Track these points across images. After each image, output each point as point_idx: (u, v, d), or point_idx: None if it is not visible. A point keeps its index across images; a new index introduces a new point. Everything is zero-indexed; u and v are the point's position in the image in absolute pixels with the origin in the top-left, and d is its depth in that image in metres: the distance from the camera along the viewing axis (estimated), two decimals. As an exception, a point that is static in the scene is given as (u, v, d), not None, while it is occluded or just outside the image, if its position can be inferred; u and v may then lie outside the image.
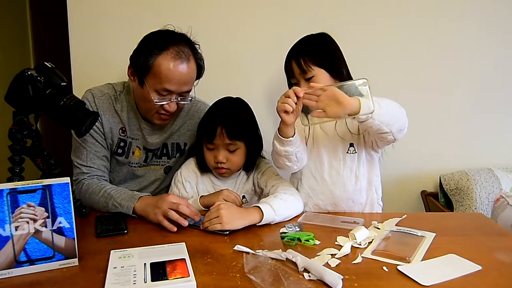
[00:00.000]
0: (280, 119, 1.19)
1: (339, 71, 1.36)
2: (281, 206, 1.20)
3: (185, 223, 1.14)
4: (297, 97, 1.14)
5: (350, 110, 1.10)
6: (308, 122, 1.17)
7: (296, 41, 1.41)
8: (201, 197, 1.35)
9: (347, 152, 1.36)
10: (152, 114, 1.38)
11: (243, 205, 1.39)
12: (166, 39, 1.31)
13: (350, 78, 1.36)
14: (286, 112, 1.15)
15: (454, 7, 1.84)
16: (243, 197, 1.44)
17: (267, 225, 1.17)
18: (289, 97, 1.14)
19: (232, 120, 1.32)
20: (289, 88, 1.27)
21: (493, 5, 1.85)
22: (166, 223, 1.15)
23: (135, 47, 1.35)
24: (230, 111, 1.35)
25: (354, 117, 1.13)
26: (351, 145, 1.36)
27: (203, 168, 1.42)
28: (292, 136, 1.22)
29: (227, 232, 1.12)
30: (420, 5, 1.83)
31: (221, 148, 1.34)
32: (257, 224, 1.16)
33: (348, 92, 1.11)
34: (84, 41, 1.83)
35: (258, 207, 1.17)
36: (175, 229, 1.14)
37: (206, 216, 1.15)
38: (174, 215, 1.14)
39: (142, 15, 1.81)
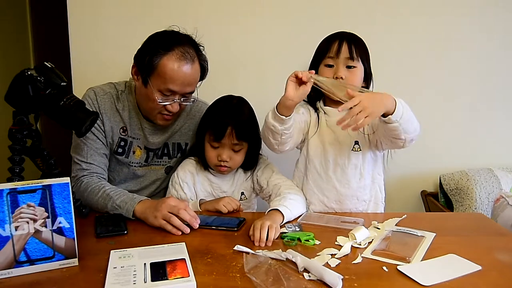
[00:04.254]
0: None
1: (369, 75, 1.39)
2: (293, 205, 1.25)
3: (186, 230, 1.13)
4: (303, 82, 1.14)
5: (389, 108, 1.12)
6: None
7: (339, 30, 1.39)
8: (201, 203, 1.35)
9: (352, 150, 1.37)
10: (155, 114, 1.38)
11: (242, 202, 1.42)
12: (171, 39, 1.31)
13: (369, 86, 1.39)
14: (296, 77, 1.15)
15: (454, 8, 1.84)
16: (242, 193, 1.45)
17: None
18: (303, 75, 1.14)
19: (242, 121, 1.33)
20: (311, 68, 1.29)
21: (493, 5, 1.85)
22: (169, 227, 1.13)
23: (136, 47, 1.35)
24: (239, 111, 1.36)
25: (386, 117, 1.13)
26: (356, 142, 1.37)
27: (204, 165, 1.43)
28: (286, 117, 1.20)
29: (236, 229, 1.14)
30: (420, 6, 1.83)
31: (227, 147, 1.35)
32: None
33: None
34: (84, 41, 1.83)
35: (277, 209, 1.19)
36: (179, 233, 1.13)
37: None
38: (177, 221, 1.13)
39: (142, 16, 1.81)
